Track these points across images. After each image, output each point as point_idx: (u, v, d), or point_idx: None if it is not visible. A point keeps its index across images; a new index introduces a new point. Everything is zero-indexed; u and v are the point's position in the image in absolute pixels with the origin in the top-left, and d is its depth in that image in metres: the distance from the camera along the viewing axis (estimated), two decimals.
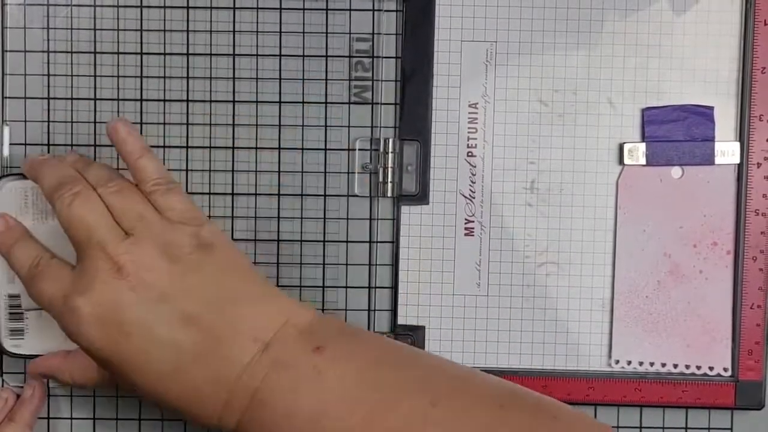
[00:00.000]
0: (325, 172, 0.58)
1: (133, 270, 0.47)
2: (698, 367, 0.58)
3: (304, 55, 0.58)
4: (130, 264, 0.47)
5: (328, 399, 0.46)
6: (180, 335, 0.47)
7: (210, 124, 0.58)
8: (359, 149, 0.58)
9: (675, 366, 0.58)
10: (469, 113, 0.58)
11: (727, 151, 0.57)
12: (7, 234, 0.53)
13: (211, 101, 0.58)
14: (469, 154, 0.58)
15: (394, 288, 0.58)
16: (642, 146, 0.57)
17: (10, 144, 0.58)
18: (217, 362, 0.47)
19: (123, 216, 0.49)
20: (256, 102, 0.58)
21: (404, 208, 0.58)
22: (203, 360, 0.47)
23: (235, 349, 0.47)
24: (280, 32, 0.58)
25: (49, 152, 0.58)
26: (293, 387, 0.46)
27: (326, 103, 0.58)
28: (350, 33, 0.58)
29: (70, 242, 0.49)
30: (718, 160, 0.57)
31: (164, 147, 0.58)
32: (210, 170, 0.58)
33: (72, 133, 0.58)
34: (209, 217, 0.57)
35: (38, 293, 0.49)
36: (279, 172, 0.58)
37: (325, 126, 0.58)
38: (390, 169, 0.57)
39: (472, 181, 0.58)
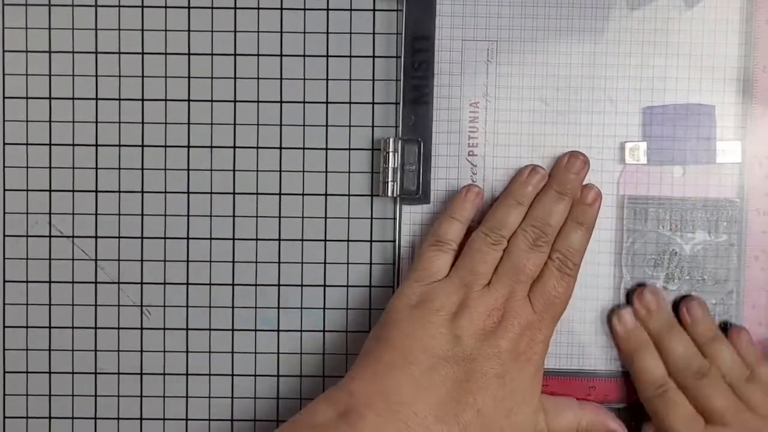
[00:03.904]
0: (326, 172, 0.58)
1: None
2: None
3: (305, 55, 0.58)
4: None
5: None
6: None
7: (211, 124, 0.58)
8: (360, 149, 0.58)
9: None
10: (470, 112, 0.58)
11: (728, 150, 0.57)
12: (633, 336, 0.56)
13: (212, 101, 0.58)
14: (471, 153, 0.58)
15: (396, 287, 0.58)
16: (643, 145, 0.57)
17: (11, 144, 0.58)
18: None
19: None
20: (257, 102, 0.58)
21: (405, 208, 0.58)
22: None
23: None
24: (281, 32, 0.58)
25: (50, 153, 0.58)
26: None
27: (327, 102, 0.58)
28: (351, 33, 0.58)
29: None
30: (719, 158, 0.57)
31: (165, 147, 0.58)
32: (211, 170, 0.58)
33: (73, 133, 0.58)
34: (210, 217, 0.58)
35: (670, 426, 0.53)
36: (280, 171, 0.58)
37: (326, 126, 0.58)
38: (391, 169, 0.57)
39: (473, 180, 0.58)
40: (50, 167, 0.58)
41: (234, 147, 0.58)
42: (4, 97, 0.58)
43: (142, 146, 0.58)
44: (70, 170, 0.58)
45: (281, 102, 0.58)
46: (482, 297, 0.51)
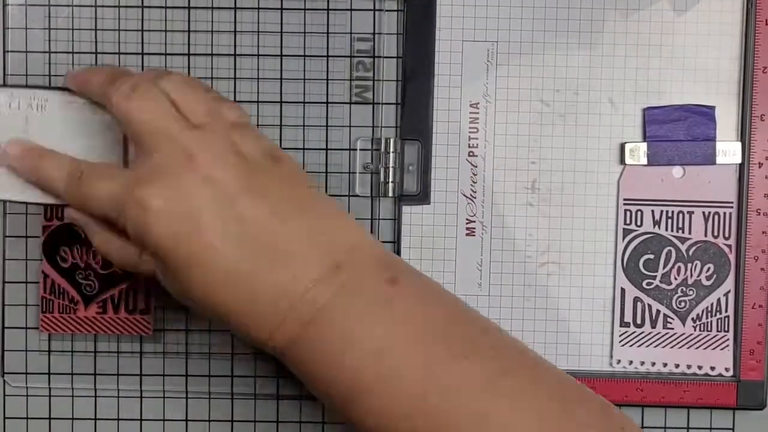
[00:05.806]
0: (327, 172, 0.58)
1: (204, 161, 0.44)
2: (699, 367, 0.58)
3: (305, 55, 0.58)
4: (202, 154, 0.44)
5: (395, 334, 0.43)
6: (250, 239, 0.43)
7: None
8: (360, 149, 0.58)
9: (676, 366, 0.58)
10: (471, 113, 0.58)
11: (728, 151, 0.57)
12: (29, 155, 0.48)
13: None
14: (471, 153, 0.58)
15: None
16: (643, 146, 0.57)
17: None
18: (284, 272, 0.44)
19: (189, 109, 0.45)
20: (257, 102, 0.58)
21: (405, 208, 0.58)
22: (271, 268, 0.44)
23: (307, 263, 0.44)
24: (281, 32, 0.58)
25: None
26: (361, 313, 0.44)
27: (327, 103, 0.58)
28: (351, 33, 0.58)
29: (132, 139, 0.46)
30: (719, 159, 0.57)
31: None
32: None
33: None
34: None
35: (92, 195, 0.45)
36: None
37: (327, 126, 0.58)
38: (391, 169, 0.57)
39: (473, 181, 0.58)
40: None
41: None
42: None
43: None
44: None
45: (281, 102, 0.58)
46: None
